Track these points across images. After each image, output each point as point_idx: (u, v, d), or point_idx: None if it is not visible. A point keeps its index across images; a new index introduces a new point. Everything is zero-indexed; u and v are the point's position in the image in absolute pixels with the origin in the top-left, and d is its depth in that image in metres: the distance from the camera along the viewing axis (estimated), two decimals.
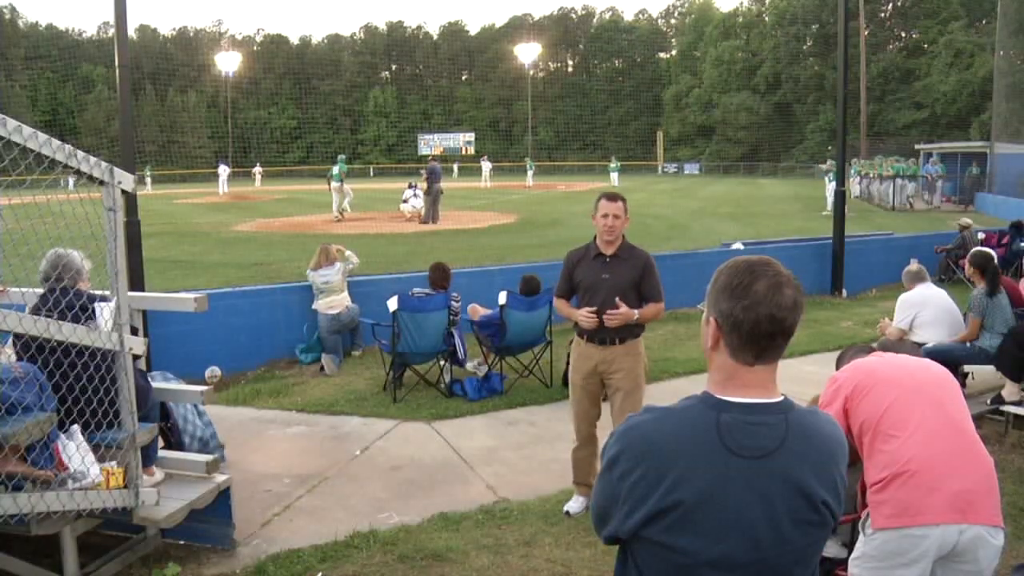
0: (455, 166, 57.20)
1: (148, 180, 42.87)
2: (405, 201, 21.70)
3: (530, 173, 44.37)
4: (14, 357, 3.35)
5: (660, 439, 1.37)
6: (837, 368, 3.17)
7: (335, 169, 22.68)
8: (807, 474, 1.36)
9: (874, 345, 3.33)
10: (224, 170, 39.94)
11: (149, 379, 4.06)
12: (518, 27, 79.21)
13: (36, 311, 3.19)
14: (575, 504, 4.29)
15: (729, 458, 1.34)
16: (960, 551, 2.35)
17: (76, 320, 3.19)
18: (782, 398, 1.41)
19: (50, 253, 3.49)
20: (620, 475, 1.38)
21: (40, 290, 3.46)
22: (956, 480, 2.37)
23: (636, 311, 3.96)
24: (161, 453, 3.99)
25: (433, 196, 20.42)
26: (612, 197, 4.08)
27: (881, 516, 2.42)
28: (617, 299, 3.92)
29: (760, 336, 1.36)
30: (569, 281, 4.17)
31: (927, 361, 2.85)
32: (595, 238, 4.12)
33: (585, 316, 3.99)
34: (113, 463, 3.31)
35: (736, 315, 1.36)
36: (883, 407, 2.50)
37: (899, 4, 62.24)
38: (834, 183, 26.67)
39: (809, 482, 1.36)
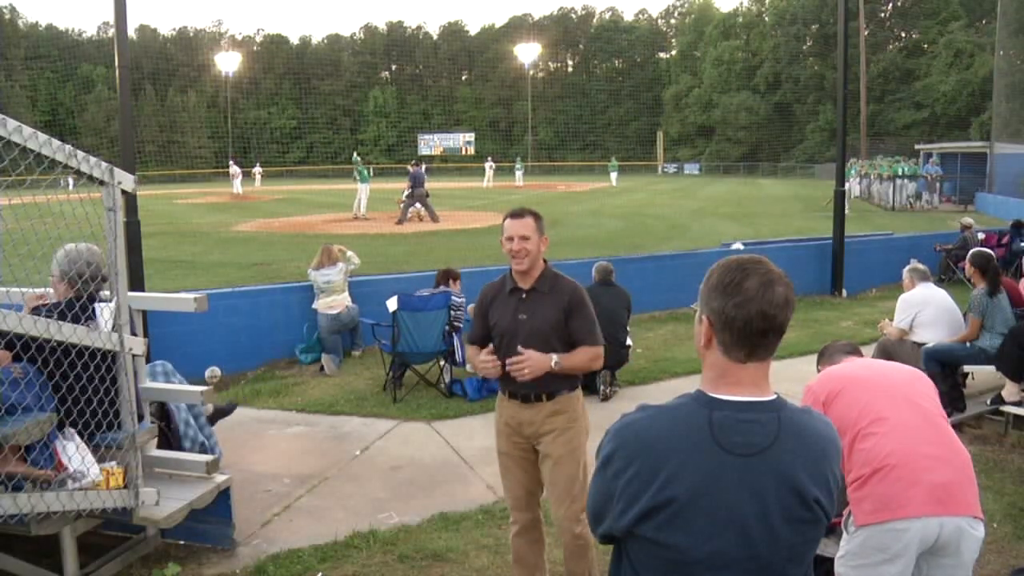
0: (423, 167, 57.16)
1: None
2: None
3: (519, 173, 44.26)
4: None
5: (653, 437, 1.38)
6: (818, 363, 3.26)
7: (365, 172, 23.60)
8: (799, 471, 1.36)
9: (855, 345, 3.35)
10: (236, 170, 39.88)
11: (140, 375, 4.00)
12: (518, 27, 79.26)
13: (36, 311, 3.19)
14: None
15: (721, 455, 1.35)
16: (942, 544, 2.38)
17: (76, 320, 3.19)
18: (775, 396, 1.42)
19: (84, 250, 3.34)
20: (614, 473, 1.40)
21: (40, 290, 3.45)
22: (935, 473, 2.41)
23: (554, 356, 2.97)
24: (162, 453, 3.99)
25: (416, 199, 20.57)
26: (517, 214, 3.12)
27: (862, 512, 2.45)
28: (519, 347, 2.97)
29: (752, 333, 1.37)
30: (483, 323, 3.22)
31: (896, 363, 2.92)
32: (510, 269, 3.16)
33: (483, 363, 3.05)
34: (113, 463, 3.32)
35: (728, 312, 1.37)
36: (858, 407, 2.55)
37: (899, 4, 62.27)
38: (855, 179, 26.46)
39: (801, 479, 1.36)
